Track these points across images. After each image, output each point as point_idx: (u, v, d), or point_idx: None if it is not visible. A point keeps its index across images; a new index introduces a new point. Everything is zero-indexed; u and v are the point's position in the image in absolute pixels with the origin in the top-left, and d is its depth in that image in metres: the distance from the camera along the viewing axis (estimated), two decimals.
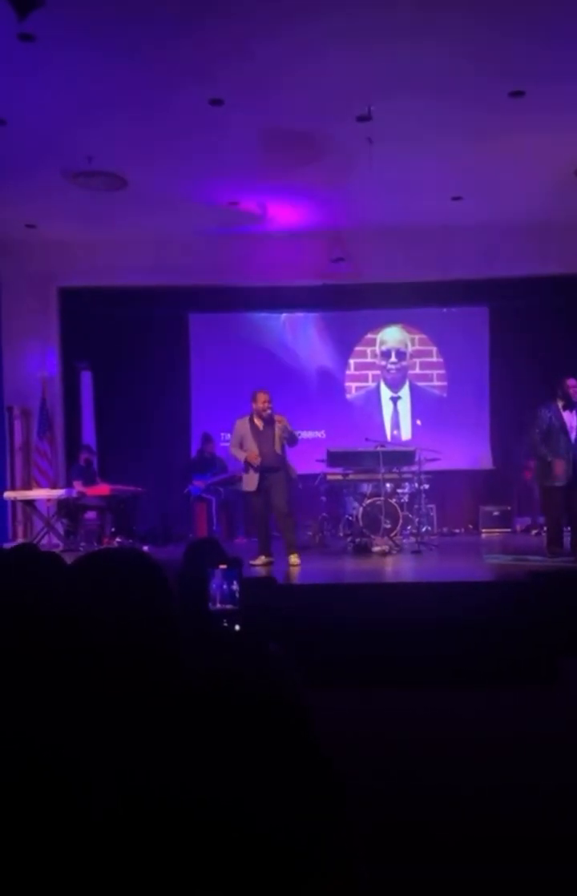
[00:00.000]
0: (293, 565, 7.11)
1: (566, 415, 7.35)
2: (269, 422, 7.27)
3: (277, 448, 7.26)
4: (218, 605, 2.14)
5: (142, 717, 1.12)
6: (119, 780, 1.07)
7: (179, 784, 1.06)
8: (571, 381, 7.40)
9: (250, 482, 7.27)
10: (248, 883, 1.04)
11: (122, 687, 1.15)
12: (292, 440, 7.42)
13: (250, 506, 7.51)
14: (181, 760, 1.09)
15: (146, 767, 1.07)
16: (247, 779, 1.10)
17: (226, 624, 2.10)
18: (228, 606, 2.15)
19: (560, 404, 7.40)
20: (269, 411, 7.27)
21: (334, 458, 9.29)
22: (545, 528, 9.13)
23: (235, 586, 2.16)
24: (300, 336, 11.34)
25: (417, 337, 11.37)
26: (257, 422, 7.31)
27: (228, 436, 7.82)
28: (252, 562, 7.15)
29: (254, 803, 1.09)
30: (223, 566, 2.18)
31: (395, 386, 11.41)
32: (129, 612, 1.23)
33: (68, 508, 9.09)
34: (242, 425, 7.35)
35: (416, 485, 9.40)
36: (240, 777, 1.10)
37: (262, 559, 7.26)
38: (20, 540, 9.24)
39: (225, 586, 2.15)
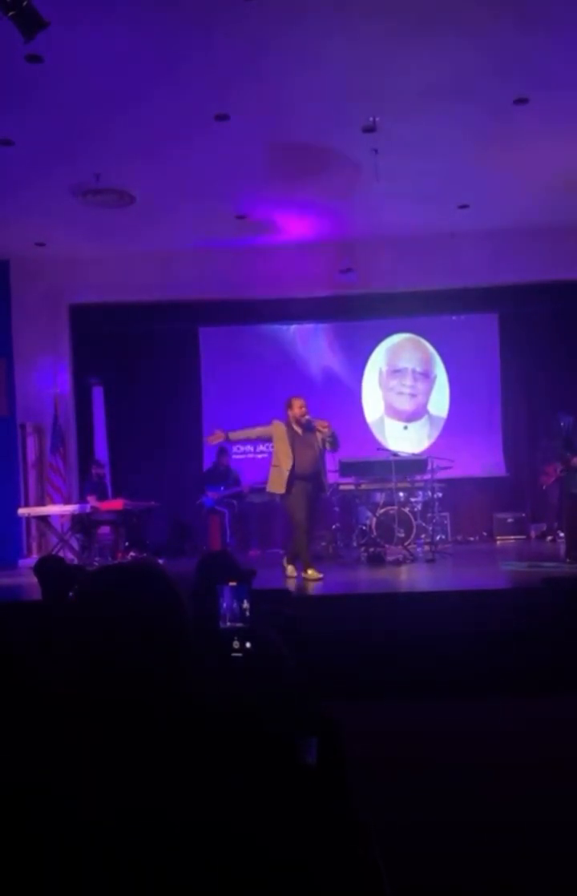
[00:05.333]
0: (313, 579, 6.94)
1: None
2: (309, 428, 7.10)
3: (319, 457, 7.09)
4: (228, 623, 2.12)
5: (142, 740, 1.12)
6: (114, 801, 1.06)
7: (173, 807, 1.06)
8: None
9: (277, 482, 7.03)
10: None
11: (125, 706, 1.15)
12: (334, 446, 7.26)
13: (289, 512, 7.18)
14: (179, 784, 1.08)
15: (142, 790, 1.07)
16: (248, 807, 1.09)
17: (236, 643, 2.09)
18: (239, 624, 2.13)
19: None
20: (307, 417, 7.10)
21: (347, 468, 9.29)
22: (561, 534, 9.11)
23: (245, 604, 2.14)
24: (311, 347, 11.36)
25: (431, 351, 11.37)
26: (297, 428, 7.13)
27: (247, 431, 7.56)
28: (303, 575, 6.98)
29: (260, 835, 1.07)
30: (232, 582, 2.16)
31: (406, 415, 11.37)
32: (141, 626, 1.22)
33: (82, 523, 9.11)
34: (279, 428, 7.13)
35: (429, 493, 9.39)
36: (239, 805, 1.09)
37: (311, 573, 6.98)
38: (35, 556, 9.27)
39: (235, 603, 2.14)
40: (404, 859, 2.53)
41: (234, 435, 7.35)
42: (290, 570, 7.16)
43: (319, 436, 7.10)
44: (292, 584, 6.83)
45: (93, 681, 1.16)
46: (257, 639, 2.16)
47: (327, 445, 7.18)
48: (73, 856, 1.01)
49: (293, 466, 6.97)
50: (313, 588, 6.71)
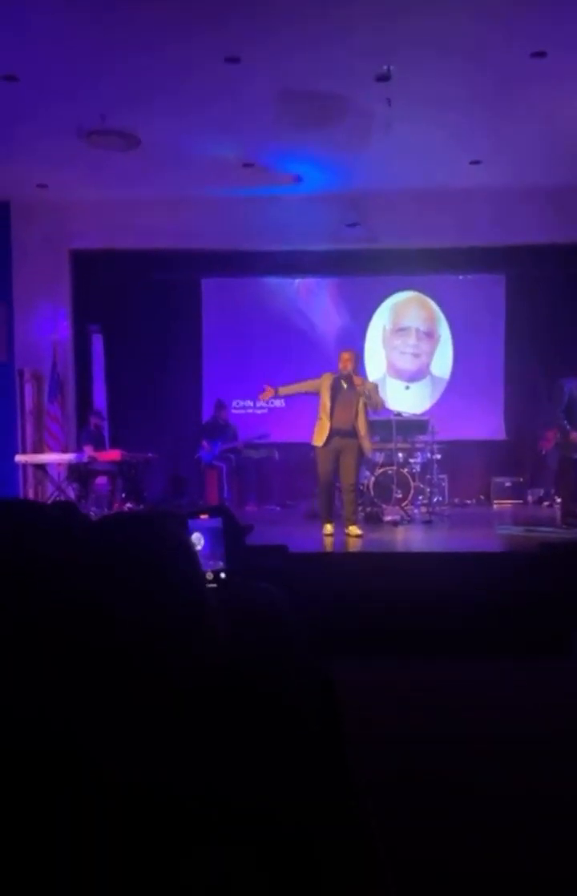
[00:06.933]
0: (353, 535, 6.91)
1: None
2: (351, 384, 6.98)
3: (358, 414, 6.94)
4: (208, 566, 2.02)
5: (161, 689, 1.07)
6: (127, 753, 1.02)
7: (189, 763, 1.02)
8: None
9: (320, 434, 6.94)
10: (262, 866, 1.00)
11: (145, 656, 1.10)
12: (375, 405, 7.12)
13: (316, 465, 7.12)
14: (194, 736, 1.04)
15: (156, 743, 1.03)
16: (258, 761, 1.06)
17: (210, 574, 1.98)
18: (219, 564, 2.05)
19: None
20: (348, 371, 6.97)
21: None
22: (558, 499, 9.10)
23: (221, 540, 2.05)
24: (314, 302, 11.22)
25: (436, 311, 11.21)
26: (343, 382, 6.99)
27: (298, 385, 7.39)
28: (345, 531, 6.97)
29: (263, 784, 1.04)
30: (204, 515, 2.06)
31: (409, 374, 11.25)
32: (156, 574, 1.17)
33: (79, 473, 9.07)
34: (326, 380, 7.02)
35: (428, 455, 9.34)
36: (250, 759, 1.06)
37: (328, 528, 7.04)
38: None
39: (211, 541, 2.04)
40: (398, 815, 2.52)
41: (284, 390, 7.22)
42: (328, 528, 7.09)
43: (360, 392, 6.99)
44: (328, 543, 6.75)
45: (105, 629, 1.10)
46: (241, 584, 2.10)
47: (370, 406, 7.05)
48: (87, 813, 0.97)
49: (332, 421, 6.91)
50: (356, 545, 6.63)
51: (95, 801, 0.98)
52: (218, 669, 1.14)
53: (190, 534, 2.03)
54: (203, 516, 2.09)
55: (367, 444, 7.08)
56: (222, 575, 2.03)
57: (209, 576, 1.96)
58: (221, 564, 2.06)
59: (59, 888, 0.94)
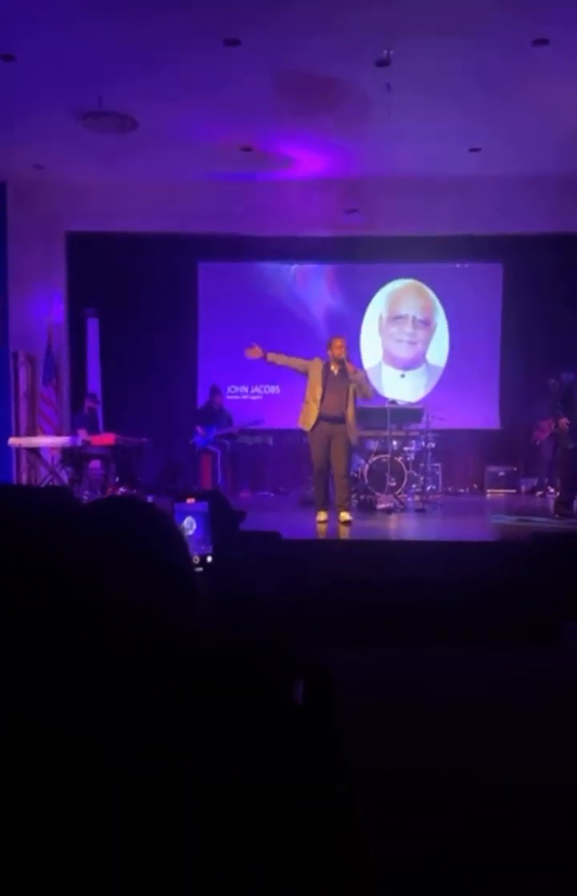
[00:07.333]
0: (345, 522, 6.94)
1: None
2: (343, 372, 6.98)
3: (347, 401, 6.96)
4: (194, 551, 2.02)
5: (151, 673, 1.07)
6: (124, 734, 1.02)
7: (181, 742, 1.02)
8: None
9: (307, 418, 6.98)
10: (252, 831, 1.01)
11: (135, 640, 1.10)
12: (365, 395, 7.15)
13: (310, 452, 7.15)
14: (185, 719, 1.04)
15: (151, 725, 1.03)
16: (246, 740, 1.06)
17: (196, 558, 1.98)
18: (205, 550, 2.03)
19: None
20: (341, 357, 6.95)
21: None
22: (551, 490, 9.13)
23: (205, 524, 2.03)
24: (311, 288, 11.18)
25: (433, 299, 11.19)
26: (334, 368, 6.99)
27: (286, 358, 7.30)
28: (338, 518, 7.00)
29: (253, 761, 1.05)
30: (191, 499, 2.04)
31: (404, 363, 11.24)
32: (146, 558, 1.17)
33: (73, 457, 9.04)
34: (316, 365, 7.02)
35: (423, 443, 9.34)
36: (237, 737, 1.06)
37: (322, 516, 7.06)
38: None
39: (202, 525, 2.02)
40: (392, 805, 2.53)
41: (272, 356, 7.16)
42: (321, 515, 7.10)
43: (351, 381, 7.00)
44: (322, 529, 6.77)
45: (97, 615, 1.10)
46: (228, 564, 2.09)
47: (358, 392, 7.06)
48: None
49: (321, 406, 6.92)
50: (346, 532, 6.65)
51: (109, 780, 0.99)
52: (204, 654, 1.14)
53: (182, 518, 2.02)
54: (190, 500, 2.07)
55: (353, 432, 7.09)
56: (209, 559, 2.02)
57: (196, 559, 1.96)
58: (209, 549, 2.05)
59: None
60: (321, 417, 6.94)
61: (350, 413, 6.99)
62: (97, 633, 1.09)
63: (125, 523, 1.21)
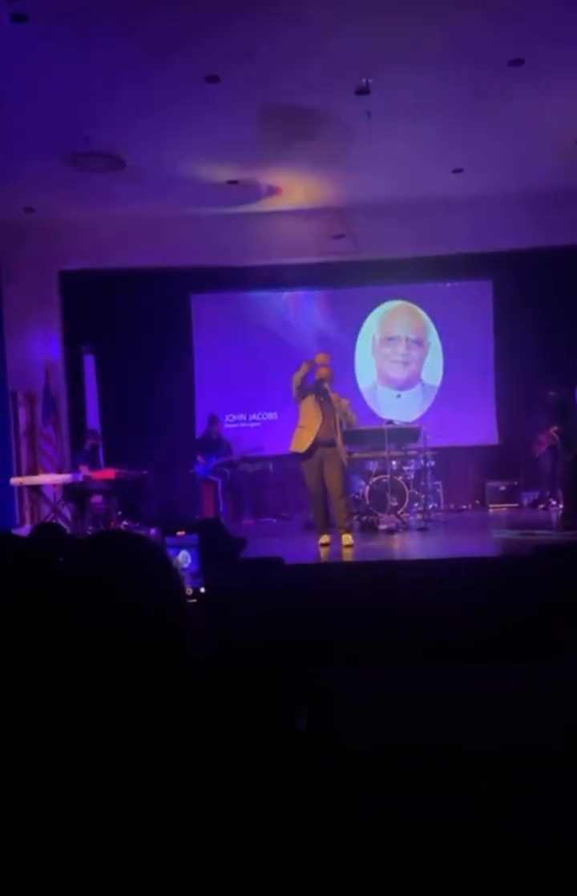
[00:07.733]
0: (347, 545, 7.00)
1: None
2: (327, 396, 7.14)
3: (336, 427, 7.11)
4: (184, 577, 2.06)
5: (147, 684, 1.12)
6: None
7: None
8: None
9: (300, 442, 7.09)
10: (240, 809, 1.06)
11: (125, 662, 1.15)
12: (350, 423, 7.36)
13: (304, 477, 7.26)
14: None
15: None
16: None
17: (189, 590, 2.02)
18: (200, 584, 2.08)
19: None
20: (326, 378, 7.12)
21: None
22: (553, 503, 9.15)
23: (194, 560, 2.08)
24: (303, 314, 11.27)
25: (425, 319, 11.29)
26: (322, 395, 7.15)
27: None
28: (319, 542, 7.06)
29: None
30: (180, 532, 2.09)
31: (400, 383, 11.32)
32: (136, 588, 1.21)
33: (75, 493, 9.10)
34: (310, 398, 7.20)
35: (422, 462, 9.39)
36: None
37: (324, 539, 7.12)
38: (28, 526, 9.26)
39: (192, 559, 2.07)
40: (393, 823, 2.55)
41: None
42: (323, 538, 7.14)
43: (338, 407, 7.16)
44: (324, 553, 6.82)
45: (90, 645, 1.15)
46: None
47: (344, 420, 7.23)
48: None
49: (317, 431, 7.05)
50: (349, 555, 6.70)
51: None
52: (196, 684, 1.18)
53: (176, 552, 2.06)
54: (180, 532, 2.11)
55: (343, 454, 7.24)
56: (202, 590, 2.06)
57: (189, 591, 2.00)
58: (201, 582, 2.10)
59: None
60: (316, 442, 7.06)
61: (339, 437, 7.15)
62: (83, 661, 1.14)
63: (118, 555, 1.26)
